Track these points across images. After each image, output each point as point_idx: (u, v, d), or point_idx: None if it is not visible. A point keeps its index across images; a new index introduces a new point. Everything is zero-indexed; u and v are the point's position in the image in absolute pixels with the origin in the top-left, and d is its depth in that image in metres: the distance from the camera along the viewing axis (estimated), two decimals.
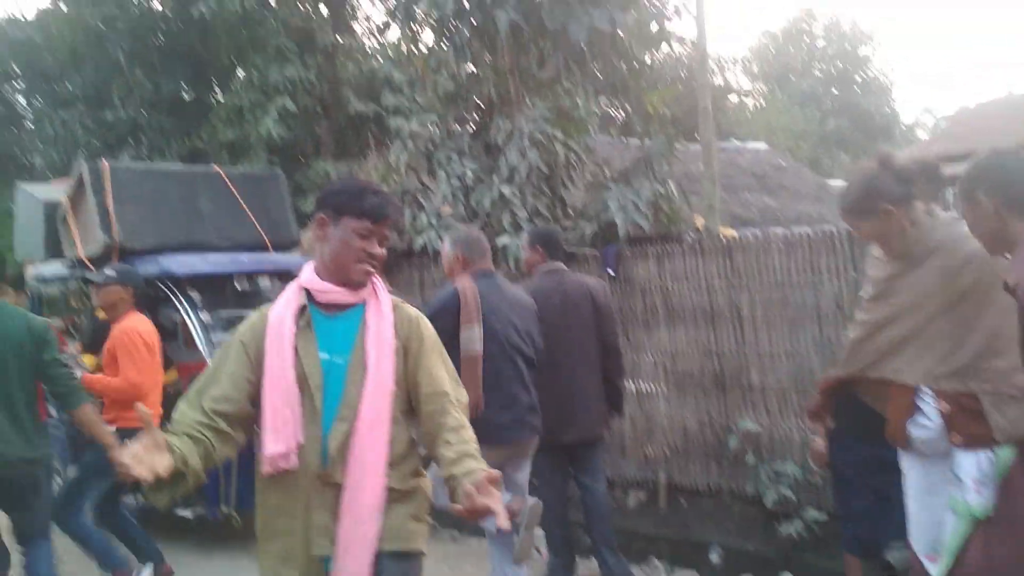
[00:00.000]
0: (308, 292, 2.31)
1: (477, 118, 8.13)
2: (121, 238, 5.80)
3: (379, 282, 2.37)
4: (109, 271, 5.00)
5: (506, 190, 6.88)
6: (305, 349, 2.19)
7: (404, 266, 8.37)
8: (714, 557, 5.89)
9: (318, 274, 2.31)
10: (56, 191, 6.76)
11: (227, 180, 6.55)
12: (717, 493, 6.47)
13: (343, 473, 2.19)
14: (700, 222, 7.59)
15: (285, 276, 6.61)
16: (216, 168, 7.14)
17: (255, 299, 6.40)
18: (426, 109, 8.04)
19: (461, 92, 7.78)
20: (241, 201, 6.48)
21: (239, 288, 6.11)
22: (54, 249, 6.49)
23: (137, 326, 4.94)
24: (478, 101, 7.93)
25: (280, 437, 2.12)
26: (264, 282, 6.31)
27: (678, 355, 6.68)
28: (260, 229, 6.48)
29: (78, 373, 4.50)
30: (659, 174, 7.28)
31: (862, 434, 3.71)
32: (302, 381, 2.16)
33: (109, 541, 5.01)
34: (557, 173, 7.25)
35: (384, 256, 2.35)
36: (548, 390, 4.70)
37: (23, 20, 15.43)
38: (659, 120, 7.58)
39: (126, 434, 4.78)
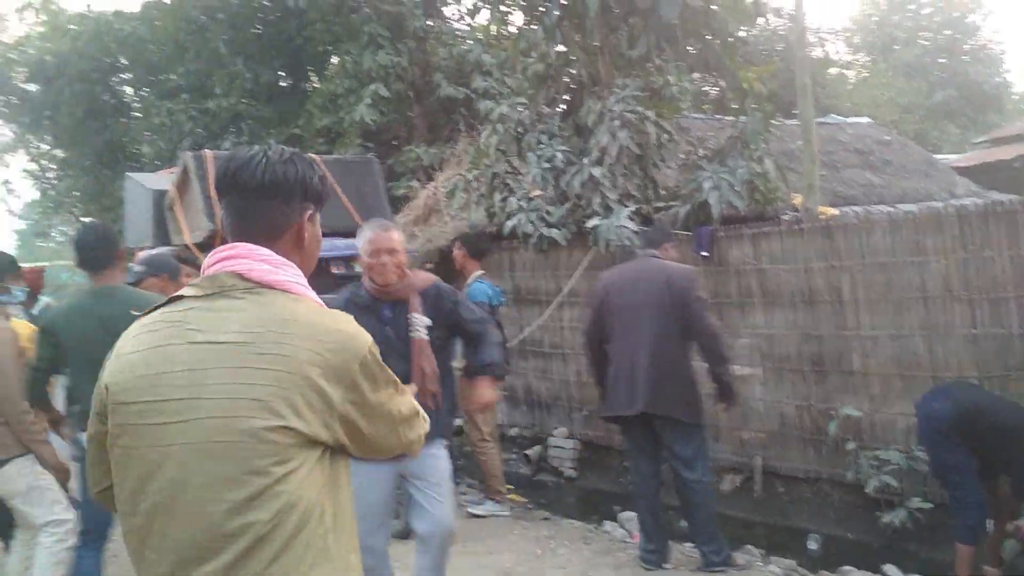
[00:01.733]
0: None
1: (567, 99, 8.06)
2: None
3: None
4: (137, 267, 4.79)
5: (596, 172, 6.82)
6: None
7: (495, 250, 8.42)
8: (812, 545, 5.75)
9: None
10: (163, 179, 7.02)
11: (322, 167, 6.66)
12: (816, 480, 6.32)
13: None
14: (798, 201, 7.36)
15: None
16: (312, 155, 7.27)
17: (351, 283, 6.52)
18: (516, 92, 8.01)
19: (550, 73, 7.73)
20: (336, 187, 6.58)
21: (336, 272, 6.24)
22: (162, 236, 6.73)
23: None
24: (568, 82, 7.85)
25: None
26: (359, 267, 6.41)
27: (775, 338, 6.52)
28: (355, 214, 6.58)
29: None
30: (755, 152, 7.09)
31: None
32: None
33: None
34: (648, 153, 7.13)
35: None
36: (612, 364, 4.95)
37: (128, 14, 16.04)
38: (755, 97, 7.37)
39: None
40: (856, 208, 8.37)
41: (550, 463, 7.95)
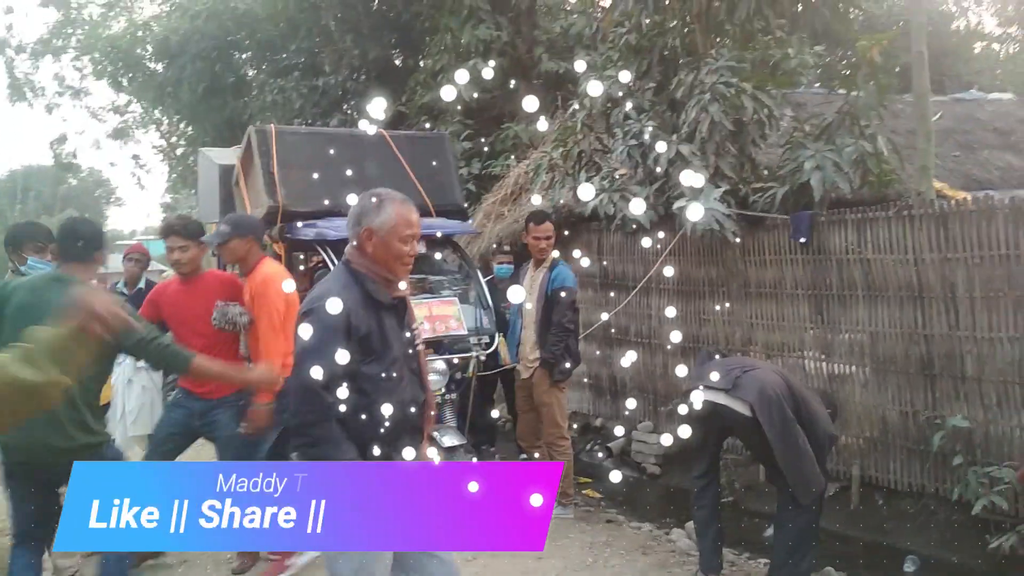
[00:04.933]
0: None
1: (661, 72, 7.53)
2: (284, 201, 5.80)
3: None
4: (223, 227, 4.61)
5: (684, 149, 6.30)
6: None
7: (582, 231, 8.04)
8: (909, 567, 5.16)
9: None
10: (232, 155, 6.93)
11: (391, 143, 6.44)
12: (920, 494, 5.70)
13: None
14: (940, 187, 6.60)
15: (444, 242, 6.40)
16: (381, 131, 7.06)
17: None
18: (607, 65, 7.53)
19: (643, 44, 7.21)
20: (405, 164, 6.33)
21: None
22: (228, 211, 6.62)
23: (271, 275, 4.48)
24: (663, 53, 7.31)
25: None
26: (420, 247, 6.10)
27: (878, 336, 5.91)
28: (423, 192, 6.29)
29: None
30: (867, 129, 6.41)
31: None
32: None
33: None
34: (746, 130, 6.55)
35: None
36: None
37: None
38: (870, 67, 6.65)
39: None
40: (992, 192, 7.54)
41: (632, 458, 7.53)
